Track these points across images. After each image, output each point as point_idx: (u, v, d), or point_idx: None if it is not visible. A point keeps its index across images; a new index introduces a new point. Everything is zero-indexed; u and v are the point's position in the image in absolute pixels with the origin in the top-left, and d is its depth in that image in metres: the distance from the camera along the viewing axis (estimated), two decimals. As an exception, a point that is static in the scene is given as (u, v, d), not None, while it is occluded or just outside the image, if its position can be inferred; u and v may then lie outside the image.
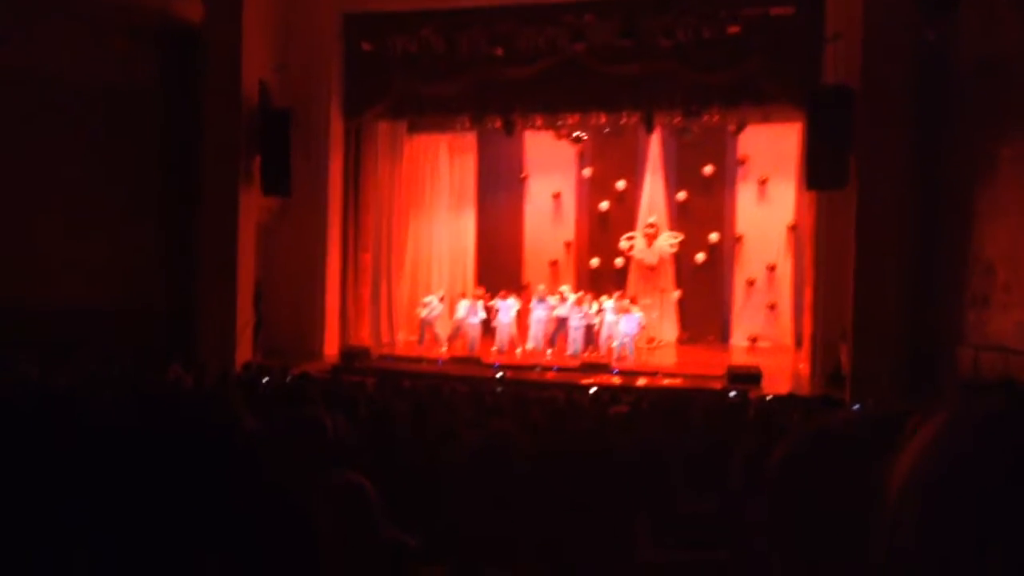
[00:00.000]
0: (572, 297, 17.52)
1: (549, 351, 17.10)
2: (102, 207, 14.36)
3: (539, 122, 18.19)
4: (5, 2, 13.04)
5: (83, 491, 1.10)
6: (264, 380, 10.18)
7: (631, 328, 16.38)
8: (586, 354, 16.84)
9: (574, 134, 19.57)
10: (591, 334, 17.17)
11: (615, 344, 16.39)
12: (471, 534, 2.34)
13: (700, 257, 19.92)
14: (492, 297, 17.58)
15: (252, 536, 1.03)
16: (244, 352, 14.70)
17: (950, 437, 0.84)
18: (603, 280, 19.68)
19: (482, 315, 17.43)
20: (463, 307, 17.81)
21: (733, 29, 14.45)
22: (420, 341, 18.04)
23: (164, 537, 1.01)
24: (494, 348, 17.14)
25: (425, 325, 18.02)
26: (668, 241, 19.76)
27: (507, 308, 17.32)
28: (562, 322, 17.23)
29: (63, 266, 13.72)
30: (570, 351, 16.94)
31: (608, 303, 17.02)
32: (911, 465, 0.85)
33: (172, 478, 1.03)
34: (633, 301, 17.21)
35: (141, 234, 14.96)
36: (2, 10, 13.09)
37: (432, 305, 18.02)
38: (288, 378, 11.13)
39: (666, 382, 14.57)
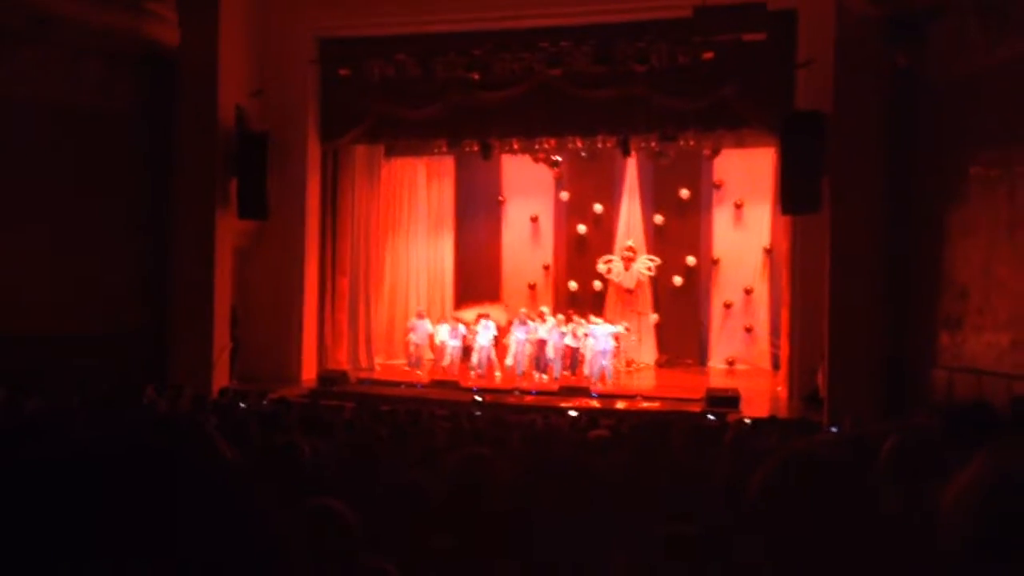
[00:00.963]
0: (552, 320, 17.53)
1: (536, 374, 17.07)
2: (77, 231, 14.25)
3: (516, 146, 18.25)
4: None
5: (51, 517, 1.09)
6: (241, 405, 10.11)
7: (607, 344, 16.40)
8: (567, 373, 16.87)
9: (551, 158, 19.67)
10: (571, 357, 17.17)
11: (596, 368, 16.39)
12: (447, 559, 2.33)
13: (677, 280, 20.01)
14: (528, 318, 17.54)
15: (224, 564, 1.02)
16: (221, 377, 14.57)
17: (993, 470, 0.89)
18: (581, 303, 19.70)
19: (461, 335, 17.46)
20: (444, 330, 17.81)
21: (707, 55, 14.61)
22: (410, 364, 17.85)
23: (133, 566, 1.00)
24: (472, 370, 17.09)
25: (412, 347, 17.92)
26: (645, 264, 19.84)
27: (485, 330, 17.31)
28: (542, 344, 17.23)
29: (37, 290, 13.58)
30: (545, 373, 16.95)
31: (589, 327, 17.02)
32: (962, 493, 0.90)
33: (142, 504, 1.02)
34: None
35: (116, 258, 14.85)
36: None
37: (417, 327, 17.94)
38: (265, 403, 11.06)
39: (645, 405, 14.58)
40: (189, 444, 1.09)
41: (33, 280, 13.57)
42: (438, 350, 17.93)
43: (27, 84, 13.69)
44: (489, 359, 17.28)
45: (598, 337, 16.51)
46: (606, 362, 16.41)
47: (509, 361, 17.23)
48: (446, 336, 17.70)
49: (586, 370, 16.66)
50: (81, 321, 13.99)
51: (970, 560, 0.89)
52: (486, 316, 17.64)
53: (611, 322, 17.43)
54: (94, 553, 0.99)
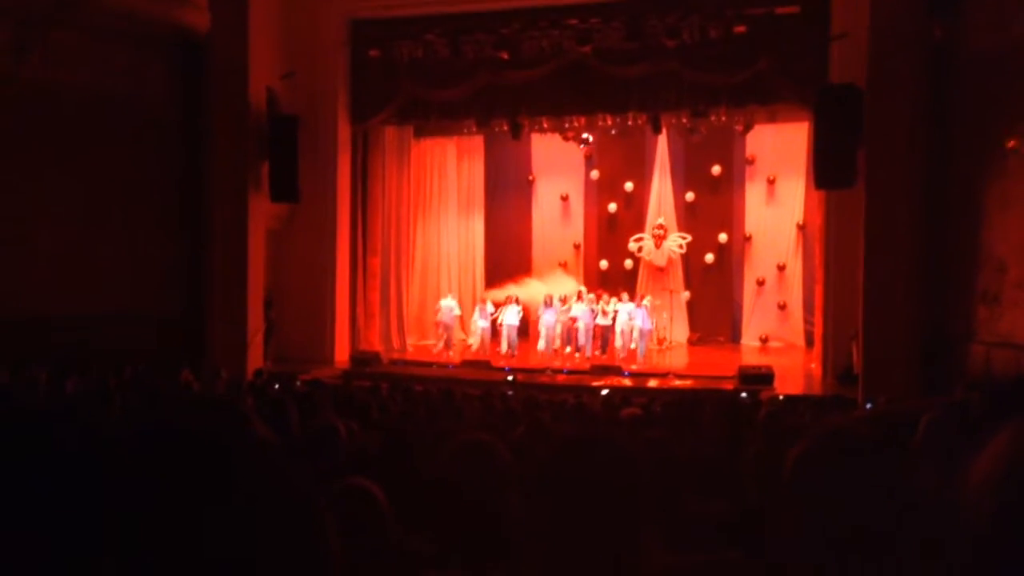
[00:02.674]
0: (586, 298, 17.50)
1: (568, 349, 17.11)
2: (112, 215, 14.41)
3: (546, 125, 18.17)
4: (25, 14, 13.10)
5: (90, 496, 1.11)
6: (275, 386, 10.20)
7: (645, 323, 16.43)
8: (598, 352, 16.87)
9: (581, 136, 19.57)
10: (603, 336, 17.16)
11: (633, 345, 16.40)
12: (475, 539, 2.34)
13: (709, 258, 19.89)
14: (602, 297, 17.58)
15: (262, 542, 1.04)
16: (255, 359, 14.73)
17: (1018, 444, 0.88)
18: (612, 282, 19.65)
19: (491, 316, 17.47)
20: (478, 311, 17.83)
21: (739, 29, 14.43)
22: (447, 346, 17.71)
23: (173, 544, 1.01)
24: (502, 350, 17.10)
25: (443, 329, 17.92)
26: (677, 242, 19.73)
27: (512, 310, 17.31)
28: (575, 323, 17.23)
29: (74, 273, 13.76)
30: (579, 351, 16.97)
31: (620, 306, 16.98)
32: (987, 468, 0.90)
33: (180, 483, 1.04)
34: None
35: (151, 242, 14.99)
36: (23, 22, 13.16)
37: (444, 308, 17.96)
38: (299, 384, 11.16)
39: (677, 383, 14.54)
40: (226, 424, 1.10)
41: (70, 264, 13.75)
42: (475, 333, 17.91)
43: (58, 68, 13.80)
44: (519, 338, 17.31)
45: (633, 316, 16.53)
46: (640, 341, 16.43)
47: (541, 345, 17.19)
48: (477, 317, 17.73)
49: (620, 352, 16.63)
50: (117, 304, 14.17)
51: (993, 536, 0.88)
52: (515, 300, 17.57)
53: (643, 300, 17.35)
54: (130, 531, 1.00)
